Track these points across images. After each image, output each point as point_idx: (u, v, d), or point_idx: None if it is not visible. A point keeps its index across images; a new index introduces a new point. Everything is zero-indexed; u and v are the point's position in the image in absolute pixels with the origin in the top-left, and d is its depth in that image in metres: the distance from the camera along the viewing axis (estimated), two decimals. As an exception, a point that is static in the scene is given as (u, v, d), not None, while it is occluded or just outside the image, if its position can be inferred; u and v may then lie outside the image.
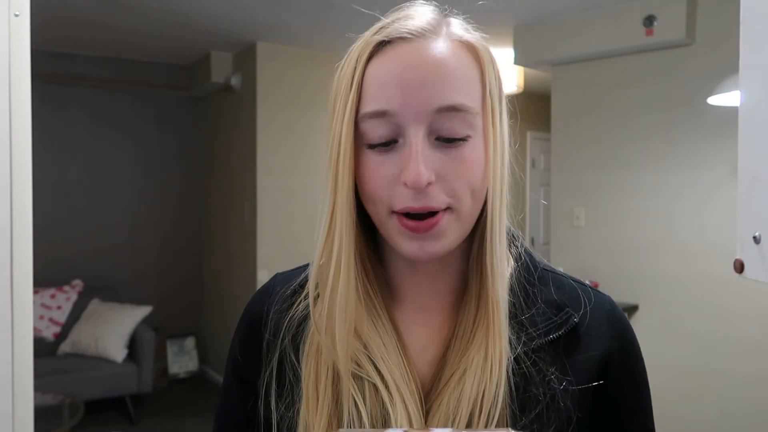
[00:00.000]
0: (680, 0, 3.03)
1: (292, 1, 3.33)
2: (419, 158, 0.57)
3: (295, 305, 0.68)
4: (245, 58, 4.35)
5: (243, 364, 0.70)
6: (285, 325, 0.67)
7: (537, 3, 3.32)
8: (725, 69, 2.75)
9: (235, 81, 4.42)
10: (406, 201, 0.58)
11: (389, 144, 0.59)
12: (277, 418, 0.65)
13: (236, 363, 0.71)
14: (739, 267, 0.78)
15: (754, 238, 0.74)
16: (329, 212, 0.61)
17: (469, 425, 0.58)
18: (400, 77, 0.58)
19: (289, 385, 0.65)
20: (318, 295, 0.63)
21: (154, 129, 4.99)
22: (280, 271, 0.75)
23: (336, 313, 0.60)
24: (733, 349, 2.94)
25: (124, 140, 4.86)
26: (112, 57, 4.71)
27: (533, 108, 5.54)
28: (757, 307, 2.84)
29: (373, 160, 0.60)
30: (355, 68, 0.60)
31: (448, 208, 0.59)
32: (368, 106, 0.59)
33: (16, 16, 1.06)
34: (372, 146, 0.60)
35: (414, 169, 0.56)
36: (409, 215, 0.59)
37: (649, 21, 3.12)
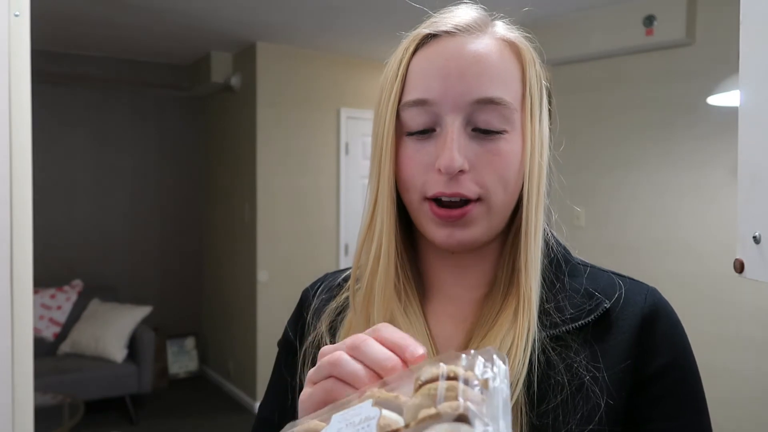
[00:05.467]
0: (680, 0, 3.03)
1: (292, 1, 3.33)
2: (453, 145, 0.59)
3: (337, 297, 0.72)
4: (245, 58, 4.35)
5: (291, 339, 0.75)
6: (325, 312, 0.71)
7: (537, 3, 3.31)
8: (725, 69, 2.75)
9: (235, 81, 4.42)
10: (438, 186, 0.60)
11: (427, 132, 0.62)
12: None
13: (287, 336, 0.76)
14: (739, 267, 0.78)
15: (754, 238, 0.74)
16: (373, 198, 0.64)
17: None
18: (442, 68, 0.61)
19: None
20: (358, 281, 0.66)
21: (154, 129, 4.99)
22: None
23: (375, 294, 0.63)
24: (735, 349, 2.94)
25: (123, 140, 4.86)
26: (112, 57, 4.71)
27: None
28: (757, 306, 2.84)
29: (410, 148, 0.62)
30: (401, 60, 0.63)
31: (478, 199, 0.61)
32: (410, 95, 0.62)
33: (16, 16, 1.06)
34: (411, 134, 0.62)
35: (448, 155, 0.59)
36: (441, 203, 0.61)
37: (649, 21, 3.12)
